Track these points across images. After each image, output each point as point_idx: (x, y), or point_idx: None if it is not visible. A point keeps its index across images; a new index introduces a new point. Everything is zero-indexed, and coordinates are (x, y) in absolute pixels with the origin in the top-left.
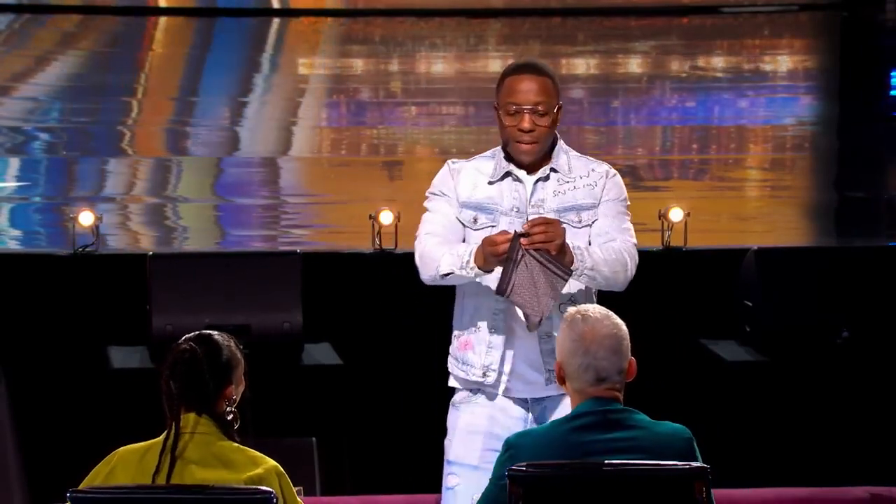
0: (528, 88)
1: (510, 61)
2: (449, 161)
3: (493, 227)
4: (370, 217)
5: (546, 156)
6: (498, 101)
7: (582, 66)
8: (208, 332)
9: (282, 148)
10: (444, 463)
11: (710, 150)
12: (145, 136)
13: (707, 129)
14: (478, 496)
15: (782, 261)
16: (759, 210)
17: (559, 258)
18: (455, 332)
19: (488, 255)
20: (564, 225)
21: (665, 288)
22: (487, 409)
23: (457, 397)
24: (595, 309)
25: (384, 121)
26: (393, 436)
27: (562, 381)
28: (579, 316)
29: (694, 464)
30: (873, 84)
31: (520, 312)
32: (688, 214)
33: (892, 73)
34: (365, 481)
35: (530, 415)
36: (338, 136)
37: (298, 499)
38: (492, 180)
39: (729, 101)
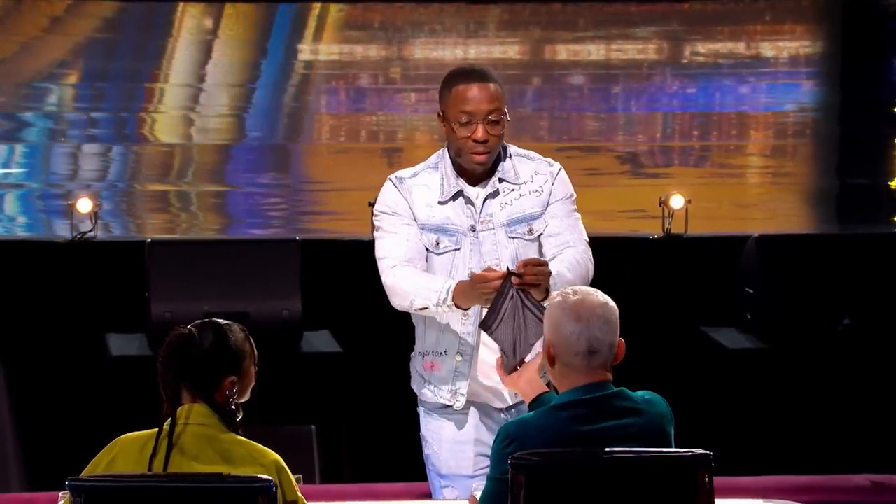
0: (479, 97)
1: (510, 47)
2: (391, 177)
3: (457, 249)
4: (369, 204)
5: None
6: (444, 109)
7: (582, 52)
8: (216, 319)
9: (281, 134)
10: (434, 474)
11: (711, 136)
12: (147, 123)
13: (708, 115)
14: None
15: (783, 248)
16: (760, 197)
17: (537, 297)
18: (418, 350)
19: (478, 293)
20: (516, 238)
21: (665, 275)
22: (469, 417)
23: (430, 406)
24: (583, 286)
25: (383, 107)
26: (392, 424)
27: (551, 360)
28: (569, 290)
29: (698, 451)
30: (875, 70)
31: (496, 350)
32: (688, 201)
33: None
34: (364, 469)
35: (510, 414)
36: (337, 123)
37: (298, 492)
38: (442, 200)
39: (730, 88)
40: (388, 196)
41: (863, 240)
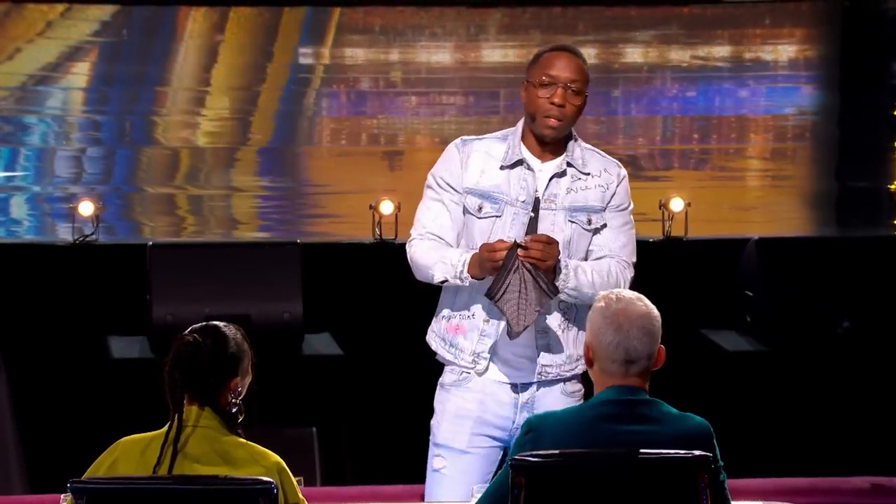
0: (565, 65)
1: (510, 51)
2: (458, 140)
3: (497, 216)
4: (370, 207)
5: (560, 145)
6: (529, 75)
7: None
8: (214, 323)
9: (281, 138)
10: (431, 444)
11: (710, 139)
12: (150, 126)
13: (708, 118)
14: (464, 480)
15: (783, 251)
16: (760, 200)
17: (548, 276)
18: (444, 313)
19: (485, 261)
20: (574, 224)
21: (666, 278)
22: (478, 394)
23: (446, 379)
24: (628, 291)
25: (384, 110)
26: (393, 426)
27: (590, 363)
28: (613, 296)
29: (696, 452)
30: (875, 74)
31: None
32: (688, 204)
33: (894, 63)
34: (365, 471)
35: (520, 399)
36: (338, 126)
37: (300, 494)
38: (503, 165)
39: (730, 91)
40: (445, 160)
41: (862, 243)
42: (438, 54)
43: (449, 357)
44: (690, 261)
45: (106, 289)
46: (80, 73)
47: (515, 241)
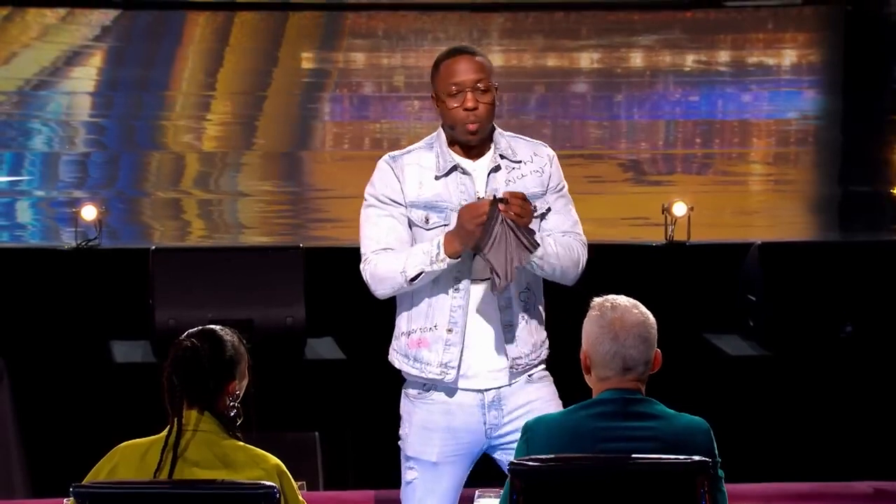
0: (466, 68)
1: (513, 55)
2: (385, 157)
3: (445, 224)
4: None
5: (486, 140)
6: (436, 87)
7: (585, 60)
8: (211, 327)
9: (285, 142)
10: (402, 455)
11: (713, 144)
12: (154, 131)
13: (710, 123)
14: (438, 489)
15: (786, 255)
16: (763, 204)
17: (528, 231)
18: (402, 329)
19: (468, 222)
20: None
21: (668, 282)
22: (442, 405)
23: (410, 390)
24: (623, 298)
25: (387, 115)
26: (395, 430)
27: (587, 370)
28: (608, 304)
29: (696, 457)
30: (877, 78)
31: (467, 297)
32: (691, 209)
33: None
34: (368, 476)
35: (486, 398)
36: (340, 131)
37: (300, 497)
38: (438, 175)
39: (732, 96)
40: (380, 178)
41: (865, 247)
42: None
43: (414, 372)
44: (693, 265)
45: (109, 293)
46: (86, 78)
47: (495, 196)
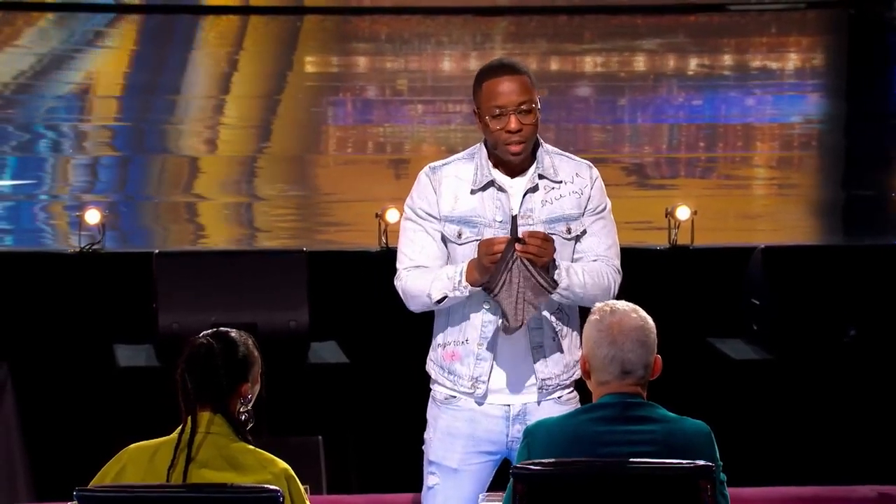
0: (509, 90)
1: (517, 59)
2: (427, 168)
3: (478, 239)
4: (376, 215)
5: (529, 157)
6: (478, 105)
7: (589, 64)
8: (225, 329)
9: (288, 146)
10: (425, 459)
11: (716, 148)
12: (159, 135)
13: (714, 127)
14: (458, 496)
15: (789, 259)
16: (766, 208)
17: (546, 271)
18: (439, 341)
19: (482, 257)
20: (554, 235)
21: (672, 286)
22: (468, 412)
23: (438, 395)
24: (623, 302)
25: (390, 119)
26: (399, 434)
27: (587, 374)
28: (607, 308)
29: (699, 462)
30: (881, 82)
31: (499, 315)
32: (695, 213)
33: None
34: (371, 480)
35: (511, 411)
36: (344, 135)
37: (307, 501)
38: (474, 189)
39: (736, 99)
40: (419, 191)
41: (868, 251)
42: (445, 63)
43: (448, 384)
44: (696, 269)
45: (112, 297)
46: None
47: (513, 236)
